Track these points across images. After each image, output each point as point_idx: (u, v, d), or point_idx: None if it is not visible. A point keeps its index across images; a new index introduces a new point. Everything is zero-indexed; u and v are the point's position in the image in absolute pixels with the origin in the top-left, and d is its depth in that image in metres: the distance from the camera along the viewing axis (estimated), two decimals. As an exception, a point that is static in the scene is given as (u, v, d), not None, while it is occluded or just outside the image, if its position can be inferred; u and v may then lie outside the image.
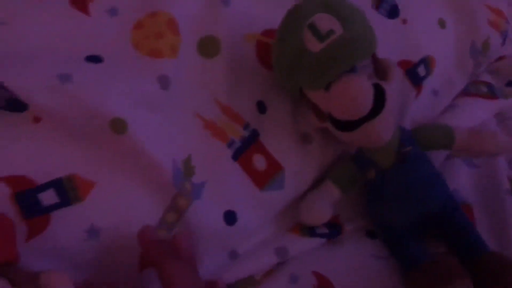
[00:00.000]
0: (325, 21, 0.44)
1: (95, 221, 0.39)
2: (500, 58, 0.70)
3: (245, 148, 0.47)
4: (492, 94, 0.65)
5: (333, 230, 0.49)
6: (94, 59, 0.42)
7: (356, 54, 0.44)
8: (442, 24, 0.63)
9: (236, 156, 0.46)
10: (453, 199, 0.50)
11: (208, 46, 0.48)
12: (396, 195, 0.48)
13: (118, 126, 0.39)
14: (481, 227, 0.51)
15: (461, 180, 0.56)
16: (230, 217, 0.44)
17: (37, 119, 0.38)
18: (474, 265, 0.45)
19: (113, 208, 0.39)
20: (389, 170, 0.47)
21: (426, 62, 0.60)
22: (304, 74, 0.45)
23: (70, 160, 0.39)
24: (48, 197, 0.37)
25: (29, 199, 0.37)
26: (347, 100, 0.43)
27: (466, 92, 0.65)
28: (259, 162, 0.48)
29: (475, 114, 0.62)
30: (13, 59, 0.39)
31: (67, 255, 0.38)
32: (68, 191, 0.38)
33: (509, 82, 0.68)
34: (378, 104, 0.45)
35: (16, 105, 0.38)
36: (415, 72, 0.59)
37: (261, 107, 0.50)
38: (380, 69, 0.47)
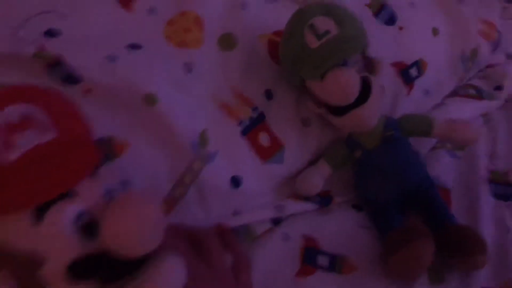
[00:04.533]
0: (323, 23, 0.53)
1: (128, 176, 0.48)
2: (490, 66, 0.78)
3: (253, 127, 0.56)
4: (479, 95, 0.73)
5: (324, 200, 0.58)
6: (135, 46, 0.52)
7: (347, 50, 0.52)
8: (435, 32, 0.71)
9: (244, 132, 0.56)
10: (429, 179, 0.58)
11: (226, 41, 0.58)
12: (379, 172, 0.56)
13: (150, 99, 0.48)
14: (456, 209, 0.59)
15: (443, 167, 0.63)
16: (236, 181, 0.54)
17: (88, 91, 0.48)
18: (441, 233, 0.52)
19: (142, 166, 0.49)
20: (373, 150, 0.56)
21: (419, 64, 0.68)
22: (304, 67, 0.54)
23: (110, 124, 0.48)
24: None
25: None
26: (338, 88, 0.52)
27: (455, 93, 0.73)
28: (264, 139, 0.57)
29: (463, 112, 0.70)
30: (71, 43, 0.49)
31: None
32: (107, 150, 0.47)
33: (496, 87, 0.75)
34: (364, 94, 0.54)
35: (71, 78, 0.48)
36: (408, 73, 0.67)
37: (269, 95, 0.59)
38: (369, 65, 0.56)
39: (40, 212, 0.32)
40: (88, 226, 0.32)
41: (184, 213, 0.50)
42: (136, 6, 0.55)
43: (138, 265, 0.33)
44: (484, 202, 0.59)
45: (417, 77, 0.67)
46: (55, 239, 0.31)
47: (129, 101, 0.48)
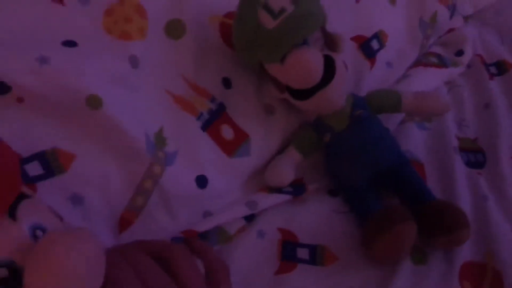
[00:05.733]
0: (277, 0, 0.49)
1: (78, 190, 0.43)
2: (450, 30, 0.76)
3: (213, 120, 0.52)
4: (442, 63, 0.71)
5: (297, 189, 0.54)
6: (70, 43, 0.46)
7: (305, 28, 0.48)
8: (392, 1, 0.68)
9: (205, 127, 0.51)
10: (403, 156, 0.55)
11: (174, 29, 0.52)
12: (351, 154, 0.53)
13: (94, 102, 0.43)
14: (431, 183, 0.57)
15: (414, 141, 0.61)
16: (201, 181, 0.49)
17: (20, 99, 0.42)
18: (420, 212, 0.50)
19: (93, 177, 0.44)
20: (343, 132, 0.53)
21: (379, 36, 0.65)
22: (261, 49, 0.50)
23: (52, 134, 0.42)
24: (33, 169, 0.41)
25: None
26: (300, 70, 0.48)
27: (418, 63, 0.71)
28: (226, 132, 0.52)
29: (427, 82, 0.68)
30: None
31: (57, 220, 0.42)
32: (51, 163, 0.42)
33: (458, 51, 0.74)
34: (328, 73, 0.50)
35: (0, 87, 0.42)
36: (369, 46, 0.64)
37: (227, 83, 0.54)
38: (330, 42, 0.52)
39: None
40: (11, 276, 0.28)
41: (149, 222, 0.46)
42: (66, -2, 0.49)
43: None
44: (458, 172, 0.58)
45: (378, 49, 0.65)
46: None
47: (70, 106, 0.43)
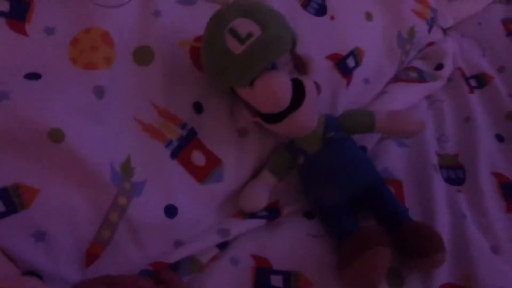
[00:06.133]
0: (244, 25, 0.48)
1: (41, 226, 0.42)
2: (429, 44, 0.76)
3: (183, 146, 0.51)
4: (421, 78, 0.70)
5: (272, 213, 0.53)
6: (33, 76, 0.46)
7: (273, 53, 0.48)
8: (369, 17, 0.68)
9: (174, 154, 0.50)
10: (378, 176, 0.55)
11: (142, 55, 0.52)
12: (325, 176, 0.52)
13: (56, 135, 0.42)
14: (409, 202, 0.56)
15: (393, 159, 0.60)
16: (170, 211, 0.48)
17: (-18, 136, 0.42)
18: (397, 234, 0.49)
19: (57, 212, 0.43)
20: (316, 154, 0.52)
21: (355, 54, 0.64)
22: (230, 74, 0.49)
23: (14, 170, 0.42)
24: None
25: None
26: (268, 95, 0.48)
27: (397, 79, 0.70)
28: (198, 158, 0.52)
29: (406, 98, 0.67)
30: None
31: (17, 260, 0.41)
32: (14, 199, 0.41)
33: (437, 65, 0.73)
34: (298, 97, 0.49)
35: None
36: (345, 64, 0.63)
37: (198, 108, 0.54)
38: (300, 64, 0.52)
39: None
40: None
41: (117, 255, 0.45)
42: (29, 29, 0.48)
43: None
44: (437, 190, 0.57)
45: (354, 67, 0.64)
46: None
47: (32, 141, 0.42)
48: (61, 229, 0.43)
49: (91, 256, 0.44)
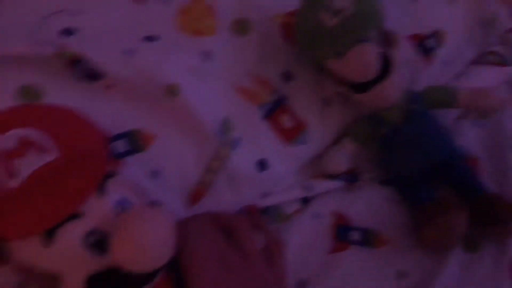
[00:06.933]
0: (338, 0, 0.52)
1: (156, 166, 0.49)
2: (510, 30, 0.76)
3: (274, 110, 0.56)
4: (502, 62, 0.71)
5: (351, 178, 0.58)
6: (151, 38, 0.52)
7: (364, 27, 0.52)
8: (451, 0, 0.69)
9: (266, 116, 0.56)
10: (457, 151, 0.57)
11: (240, 27, 0.57)
12: (406, 147, 0.55)
13: (172, 90, 0.49)
14: (485, 178, 0.58)
15: (469, 137, 0.62)
16: (262, 165, 0.54)
17: (109, 86, 0.49)
18: (473, 204, 0.52)
19: (169, 156, 0.50)
20: (398, 126, 0.55)
21: (436, 35, 0.66)
22: (322, 46, 0.53)
23: (135, 117, 0.49)
24: (121, 145, 0.47)
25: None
26: (359, 64, 0.51)
27: (476, 61, 0.71)
28: (286, 121, 0.57)
29: (485, 80, 0.68)
30: (88, 40, 0.50)
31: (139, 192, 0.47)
32: (135, 141, 0.48)
33: (518, 51, 0.73)
34: (385, 68, 0.53)
35: (94, 75, 0.48)
36: (425, 44, 0.66)
37: (287, 77, 0.59)
38: (387, 39, 0.55)
39: (49, 234, 0.31)
40: (99, 242, 0.32)
41: (215, 198, 0.51)
42: (149, -2, 0.55)
43: (152, 275, 0.33)
44: (512, 168, 0.59)
45: (435, 48, 0.66)
46: (66, 259, 0.32)
47: (152, 93, 0.49)
48: (172, 171, 0.49)
49: (195, 196, 0.50)
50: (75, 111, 0.40)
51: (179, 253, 0.36)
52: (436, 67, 0.66)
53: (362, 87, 0.54)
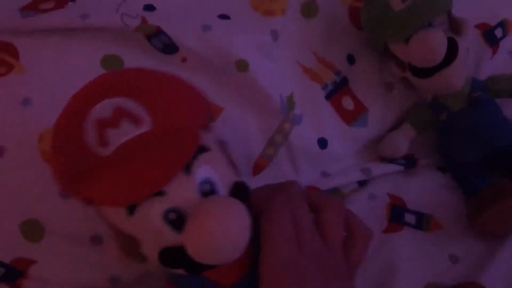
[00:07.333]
0: (408, -15, 0.53)
1: (222, 136, 0.52)
2: None
3: (336, 91, 0.58)
4: None
5: (409, 162, 0.59)
6: (224, 17, 0.55)
7: (432, 11, 0.52)
8: (520, -11, 0.68)
9: (328, 96, 0.58)
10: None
11: (309, 9, 0.59)
12: (466, 134, 0.55)
13: (242, 65, 0.51)
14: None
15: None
16: (323, 143, 0.56)
17: (184, 59, 0.52)
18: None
19: (235, 127, 0.52)
20: (460, 113, 0.56)
21: (503, 24, 0.66)
22: (388, 29, 0.55)
23: (206, 90, 0.52)
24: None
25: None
26: (424, 49, 0.52)
27: (543, 54, 0.69)
28: (347, 103, 0.58)
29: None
30: (167, 16, 0.53)
31: None
32: (205, 112, 0.52)
33: None
34: (451, 54, 0.53)
35: (170, 48, 0.52)
36: (492, 34, 0.65)
37: (351, 59, 0.60)
38: (454, 26, 0.56)
39: (131, 207, 0.32)
40: (179, 219, 0.31)
41: (276, 172, 0.53)
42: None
43: None
44: None
45: (502, 38, 0.65)
46: (145, 229, 0.32)
47: (222, 67, 0.52)
48: (237, 141, 0.52)
49: (257, 167, 0.53)
50: (181, 80, 0.39)
51: (257, 220, 0.35)
52: (501, 57, 0.66)
53: (426, 72, 0.55)
